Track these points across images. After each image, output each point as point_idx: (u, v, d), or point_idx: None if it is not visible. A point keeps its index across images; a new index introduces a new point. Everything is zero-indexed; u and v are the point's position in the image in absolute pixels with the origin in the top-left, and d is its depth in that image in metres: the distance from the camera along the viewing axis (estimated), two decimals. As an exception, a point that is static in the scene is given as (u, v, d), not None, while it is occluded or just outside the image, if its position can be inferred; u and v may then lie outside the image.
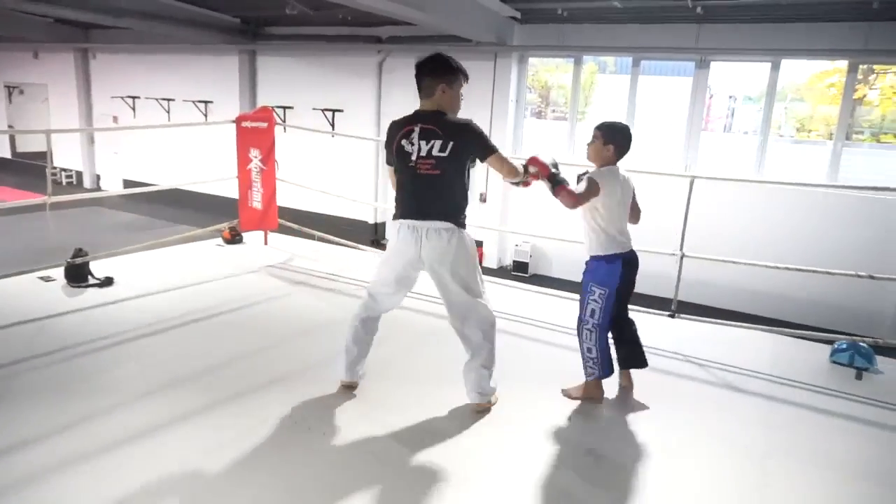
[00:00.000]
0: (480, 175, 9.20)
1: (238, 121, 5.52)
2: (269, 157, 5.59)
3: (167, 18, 9.60)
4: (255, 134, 5.52)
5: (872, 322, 6.88)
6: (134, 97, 12.93)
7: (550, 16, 8.08)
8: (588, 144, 3.18)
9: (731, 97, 16.59)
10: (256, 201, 5.68)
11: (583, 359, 3.15)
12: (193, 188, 10.46)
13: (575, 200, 3.00)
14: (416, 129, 2.83)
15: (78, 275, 4.70)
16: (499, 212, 8.99)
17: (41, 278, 4.73)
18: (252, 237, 6.11)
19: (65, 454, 2.55)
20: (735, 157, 9.52)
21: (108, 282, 4.74)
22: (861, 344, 3.88)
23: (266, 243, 5.99)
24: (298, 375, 3.39)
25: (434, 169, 2.81)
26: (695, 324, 4.40)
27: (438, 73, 2.86)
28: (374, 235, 10.15)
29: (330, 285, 5.02)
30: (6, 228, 8.60)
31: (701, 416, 3.21)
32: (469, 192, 2.99)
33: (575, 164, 7.96)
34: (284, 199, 6.46)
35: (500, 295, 4.99)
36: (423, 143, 2.81)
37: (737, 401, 3.39)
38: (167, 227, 9.85)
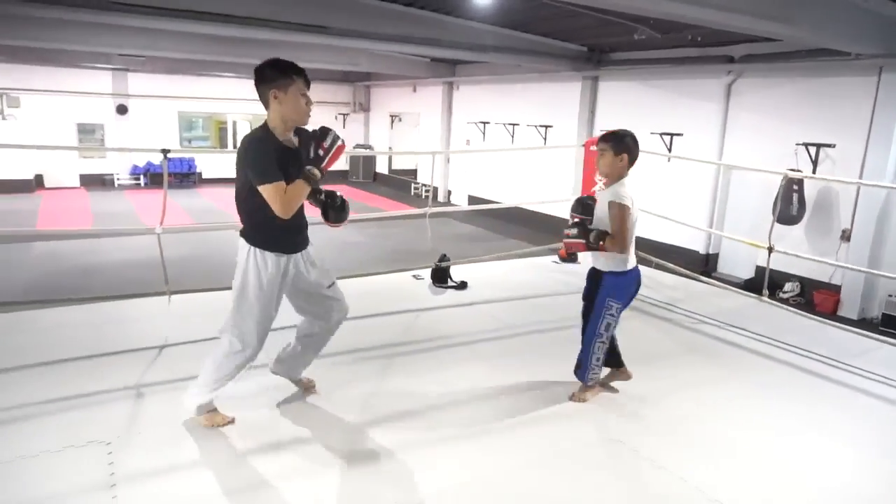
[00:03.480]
0: (846, 208, 7.91)
1: (587, 145, 5.78)
2: (612, 182, 5.71)
3: (520, 50, 10.57)
4: (602, 158, 5.70)
5: None
6: (485, 122, 14.53)
7: (968, 16, 6.53)
8: (598, 159, 3.18)
9: None
10: (596, 223, 5.85)
11: (586, 367, 3.28)
12: (529, 207, 11.31)
13: (624, 244, 3.03)
14: None
15: (441, 277, 5.49)
16: (868, 251, 7.59)
17: (414, 276, 5.65)
18: (586, 258, 6.30)
19: (417, 428, 3.01)
20: None
21: (463, 285, 5.42)
22: None
23: (599, 265, 6.13)
24: (633, 396, 3.38)
25: (236, 183, 2.68)
26: None
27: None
28: (704, 266, 9.53)
29: (666, 315, 4.90)
30: (390, 233, 10.57)
31: None
32: (268, 213, 2.58)
33: None
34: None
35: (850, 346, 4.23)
36: None
37: None
38: (503, 240, 10.84)
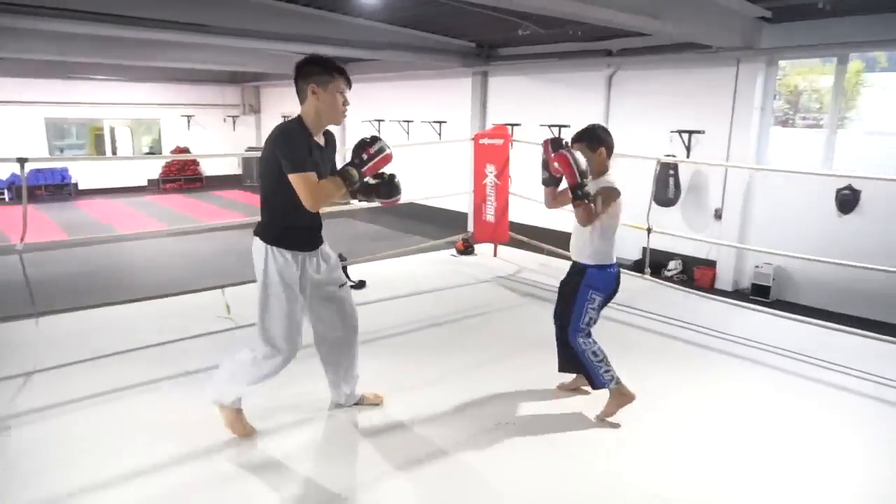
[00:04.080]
0: (717, 189, 8.56)
1: (476, 138, 5.88)
2: (503, 173, 5.87)
3: (411, 47, 10.61)
4: (492, 150, 5.84)
5: None
6: (379, 120, 14.46)
7: (809, 11, 7.21)
8: None
9: None
10: (490, 214, 5.99)
11: (590, 369, 3.02)
12: (427, 202, 11.35)
13: (590, 218, 2.89)
14: None
15: (339, 277, 5.40)
16: (737, 228, 8.26)
17: (311, 279, 5.52)
18: (483, 249, 6.44)
19: (315, 433, 2.95)
20: None
21: (361, 284, 5.37)
22: None
23: (496, 255, 6.28)
24: (533, 382, 3.49)
25: (261, 178, 2.67)
26: None
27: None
28: (596, 250, 10.00)
29: (558, 299, 5.08)
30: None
31: None
32: (287, 206, 2.58)
33: (836, 174, 7.02)
34: (513, 213, 6.70)
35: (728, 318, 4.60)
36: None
37: None
38: (405, 237, 10.84)
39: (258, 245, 2.64)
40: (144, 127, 18.52)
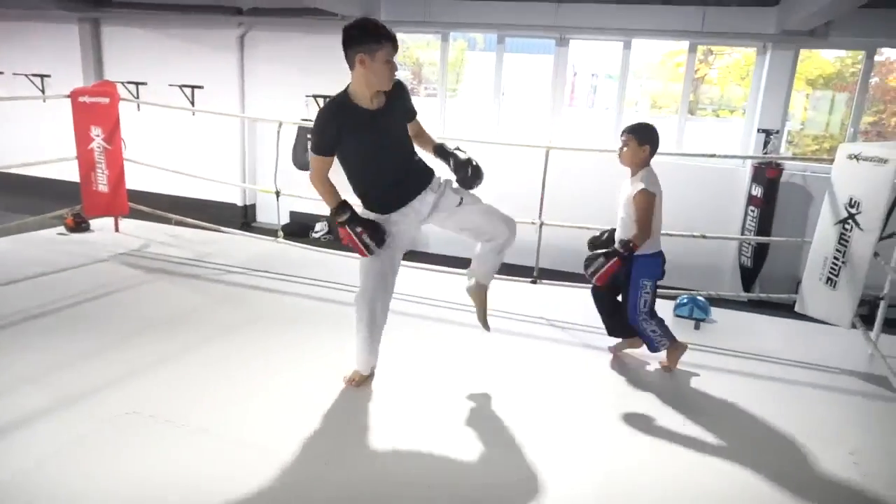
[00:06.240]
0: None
1: (73, 96, 5.00)
2: (113, 136, 5.13)
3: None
4: (96, 110, 5.04)
5: (712, 278, 7.64)
6: (-48, 70, 11.34)
7: (416, -10, 8.06)
8: (620, 150, 3.25)
9: (593, 75, 17.63)
10: (102, 184, 5.21)
11: (651, 339, 3.41)
12: (30, 172, 9.41)
13: (647, 230, 3.17)
14: None
15: None
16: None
17: None
18: (101, 224, 5.63)
19: None
20: (596, 132, 10.08)
21: (-78, 280, 4.18)
22: (699, 298, 4.30)
23: (117, 230, 5.55)
24: (160, 365, 3.19)
25: None
26: (555, 288, 4.64)
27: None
28: (244, 218, 9.72)
29: (192, 271, 4.75)
30: None
31: (558, 372, 3.42)
32: (359, 178, 2.83)
33: (449, 137, 8.07)
34: (139, 182, 6.00)
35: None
36: None
37: (591, 357, 3.65)
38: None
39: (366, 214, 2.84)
40: None
